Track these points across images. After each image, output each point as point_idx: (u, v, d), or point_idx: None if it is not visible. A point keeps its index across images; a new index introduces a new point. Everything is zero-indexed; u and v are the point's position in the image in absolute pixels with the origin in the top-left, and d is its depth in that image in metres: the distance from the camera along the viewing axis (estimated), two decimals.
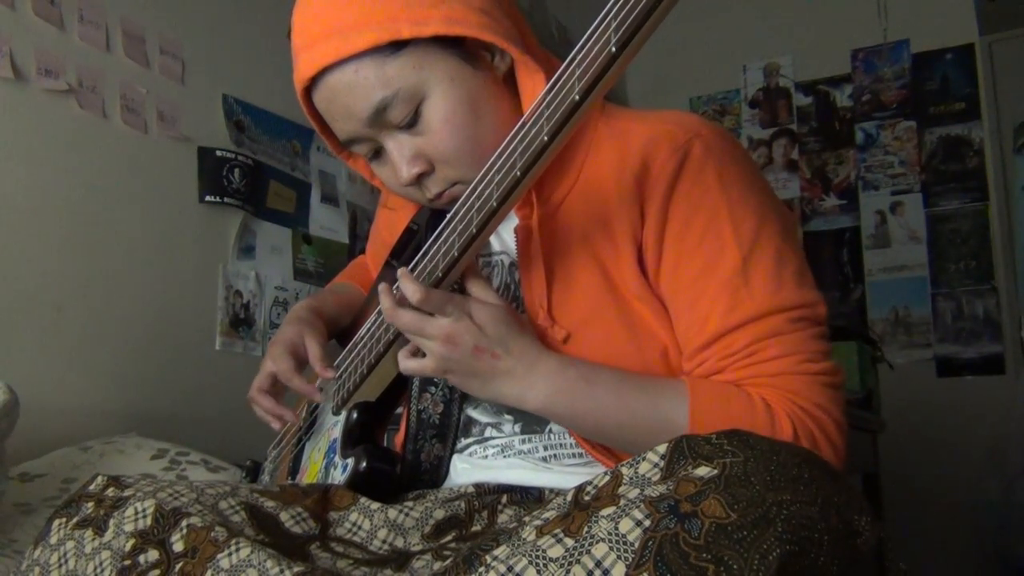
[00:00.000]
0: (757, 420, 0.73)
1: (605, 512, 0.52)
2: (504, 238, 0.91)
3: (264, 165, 2.26)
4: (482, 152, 0.80)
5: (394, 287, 0.81)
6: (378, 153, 0.87)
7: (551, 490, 0.83)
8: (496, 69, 0.85)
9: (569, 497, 0.57)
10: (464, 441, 0.91)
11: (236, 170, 2.15)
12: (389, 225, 1.07)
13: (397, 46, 0.79)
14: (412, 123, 0.82)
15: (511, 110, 0.86)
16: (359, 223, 2.57)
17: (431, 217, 0.97)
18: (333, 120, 0.85)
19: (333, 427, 0.99)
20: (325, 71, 0.81)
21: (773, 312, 0.76)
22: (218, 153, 2.13)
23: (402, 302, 0.78)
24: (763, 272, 0.77)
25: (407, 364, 0.81)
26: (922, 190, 3.29)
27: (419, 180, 0.85)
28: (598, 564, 0.50)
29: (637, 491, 0.53)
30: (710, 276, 0.77)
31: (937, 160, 3.29)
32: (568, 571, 0.50)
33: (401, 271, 0.79)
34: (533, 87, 0.81)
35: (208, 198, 2.10)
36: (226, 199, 2.13)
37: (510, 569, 0.52)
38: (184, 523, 0.67)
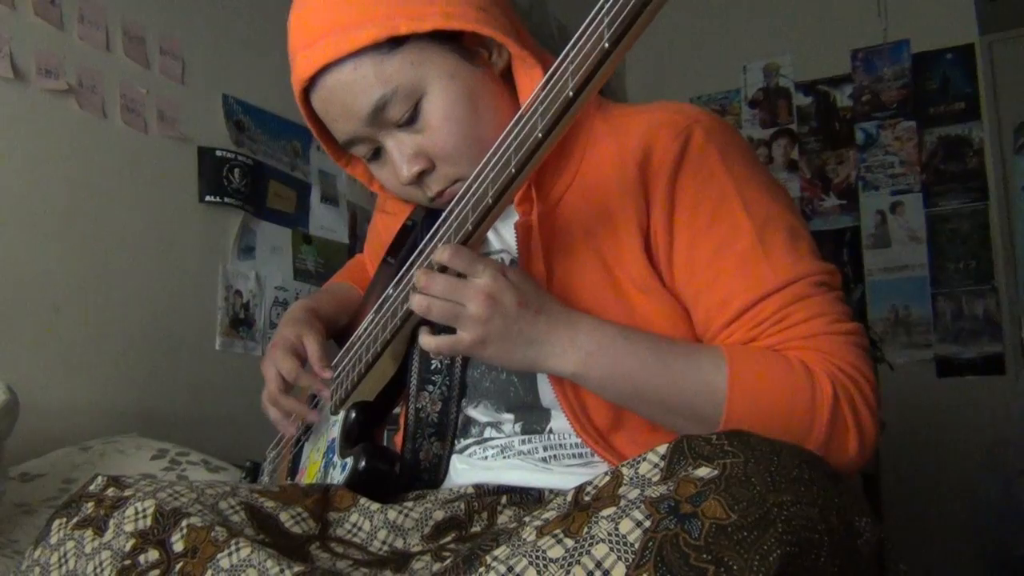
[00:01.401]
0: (797, 382, 0.72)
1: (605, 512, 0.52)
2: (504, 236, 0.90)
3: (264, 165, 2.26)
4: (481, 148, 0.80)
5: (408, 277, 0.81)
6: (377, 154, 0.87)
7: (551, 491, 0.82)
8: (494, 65, 0.86)
9: (569, 497, 0.57)
10: (463, 442, 0.90)
11: (236, 170, 2.15)
12: (387, 228, 1.07)
13: (395, 43, 0.80)
14: (411, 120, 0.82)
15: (509, 106, 0.86)
16: (359, 223, 2.57)
17: (427, 214, 0.97)
18: (332, 121, 0.85)
19: (331, 427, 0.99)
20: (324, 70, 0.81)
21: (796, 280, 0.76)
22: (218, 153, 2.13)
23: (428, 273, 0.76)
24: (780, 245, 0.77)
25: (438, 342, 0.77)
26: (922, 190, 3.29)
27: (420, 179, 0.85)
28: (598, 565, 0.49)
29: (637, 491, 0.53)
30: (726, 254, 0.77)
31: (937, 160, 3.28)
32: (568, 571, 0.50)
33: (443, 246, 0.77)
34: (530, 82, 0.81)
35: (208, 198, 2.10)
36: (226, 199, 2.13)
37: (510, 569, 0.52)
38: (184, 523, 0.67)
